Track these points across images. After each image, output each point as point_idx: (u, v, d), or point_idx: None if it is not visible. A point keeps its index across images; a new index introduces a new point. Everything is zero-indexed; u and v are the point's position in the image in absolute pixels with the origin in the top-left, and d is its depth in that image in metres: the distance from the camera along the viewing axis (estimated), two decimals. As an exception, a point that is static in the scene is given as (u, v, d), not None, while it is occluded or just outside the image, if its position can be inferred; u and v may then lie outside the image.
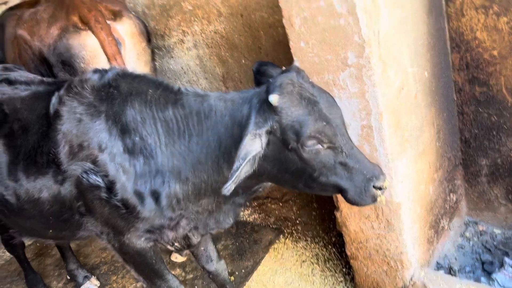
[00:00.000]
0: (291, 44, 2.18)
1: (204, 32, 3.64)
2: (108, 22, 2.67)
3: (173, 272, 2.53)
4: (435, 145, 2.51)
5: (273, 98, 1.65)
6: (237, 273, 3.14)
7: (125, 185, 2.01)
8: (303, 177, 1.75)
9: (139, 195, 2.02)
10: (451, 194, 2.74)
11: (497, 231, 2.78)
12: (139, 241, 2.18)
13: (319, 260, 3.03)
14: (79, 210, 2.17)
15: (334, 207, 2.62)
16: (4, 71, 2.54)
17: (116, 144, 2.01)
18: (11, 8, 3.84)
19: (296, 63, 1.93)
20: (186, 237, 2.36)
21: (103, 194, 2.03)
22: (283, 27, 3.05)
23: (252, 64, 3.48)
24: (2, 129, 2.22)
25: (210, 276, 2.73)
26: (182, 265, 3.35)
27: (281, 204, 3.67)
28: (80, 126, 2.03)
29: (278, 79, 1.75)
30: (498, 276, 2.46)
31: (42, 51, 2.78)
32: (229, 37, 3.49)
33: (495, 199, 2.74)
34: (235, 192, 2.04)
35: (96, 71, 2.16)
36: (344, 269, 2.90)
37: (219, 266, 2.69)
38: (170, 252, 3.39)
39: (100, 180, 2.01)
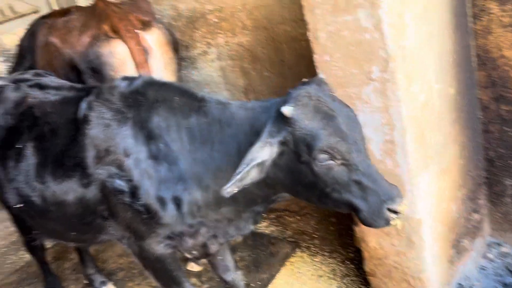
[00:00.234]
0: (316, 57, 2.20)
1: (228, 44, 3.71)
2: (138, 31, 2.76)
3: (188, 282, 2.54)
4: (459, 162, 2.48)
5: (286, 109, 1.65)
6: (252, 285, 3.13)
7: (148, 191, 2.04)
8: (316, 191, 1.73)
9: (161, 201, 2.05)
10: (474, 214, 2.69)
11: (521, 253, 2.72)
12: (159, 247, 2.20)
13: (336, 276, 3.00)
14: (102, 213, 2.21)
15: (352, 222, 2.60)
16: (36, 76, 2.63)
17: (141, 150, 2.05)
18: (43, 17, 3.98)
19: (321, 75, 1.95)
20: (204, 245, 2.36)
21: (127, 199, 2.07)
22: (306, 40, 3.09)
23: (274, 77, 3.53)
24: (32, 132, 2.29)
25: (227, 286, 2.73)
26: (197, 275, 3.35)
27: (298, 218, 3.66)
28: (107, 131, 2.08)
29: (296, 90, 1.75)
30: (522, 299, 2.40)
31: (72, 58, 2.87)
32: (252, 49, 3.55)
33: (520, 220, 2.68)
34: (253, 201, 2.08)
35: (124, 78, 2.22)
36: (361, 286, 2.86)
37: (236, 277, 2.68)
38: (186, 261, 3.40)
39: (124, 184, 2.05)
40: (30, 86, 2.47)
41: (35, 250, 3.19)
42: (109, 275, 3.54)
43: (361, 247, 2.64)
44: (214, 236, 2.26)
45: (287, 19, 3.14)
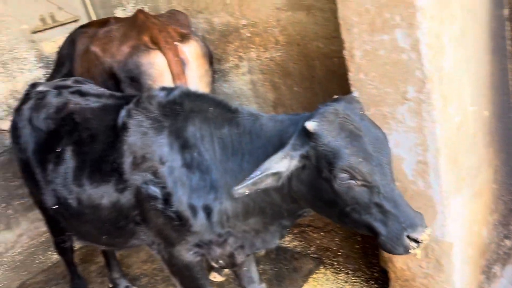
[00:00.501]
0: (350, 75, 2.22)
1: (260, 58, 3.77)
2: (176, 43, 2.84)
3: (210, 292, 2.56)
4: (492, 186, 2.44)
5: (309, 124, 1.66)
6: (275, 299, 3.13)
7: (181, 198, 2.09)
8: (336, 209, 1.73)
9: (193, 209, 2.10)
10: (506, 240, 2.63)
11: (554, 283, 2.64)
12: (187, 254, 2.24)
13: (360, 295, 2.97)
14: (134, 219, 2.27)
15: (379, 241, 2.58)
16: (76, 83, 2.74)
17: (176, 158, 2.11)
18: (82, 26, 4.15)
19: (355, 93, 1.96)
20: (231, 255, 2.38)
21: (160, 205, 2.12)
22: (338, 57, 3.14)
23: (304, 92, 3.57)
24: (72, 136, 2.38)
25: (250, 298, 2.73)
26: (220, 285, 3.37)
27: (323, 234, 3.64)
28: (144, 139, 2.15)
29: (325, 106, 1.77)
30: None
31: (112, 66, 2.98)
32: (283, 64, 3.59)
33: (553, 249, 2.61)
34: (280, 214, 2.11)
35: (163, 88, 2.29)
36: (386, 307, 2.82)
37: (261, 289, 2.69)
38: (209, 271, 3.42)
39: (158, 191, 2.11)
40: (71, 93, 2.57)
41: (65, 251, 3.27)
42: (133, 281, 3.59)
43: (387, 267, 2.62)
44: (241, 247, 2.29)
45: (320, 36, 3.18)
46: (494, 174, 2.44)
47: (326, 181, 1.67)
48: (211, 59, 3.12)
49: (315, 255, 3.46)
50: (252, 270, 2.66)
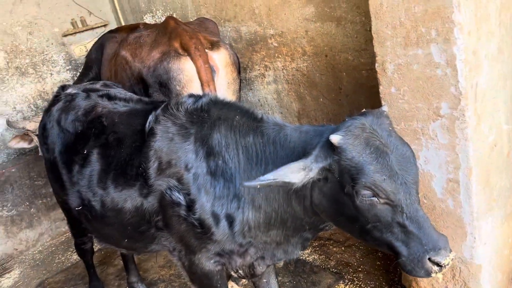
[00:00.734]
0: (381, 88, 2.19)
1: (286, 68, 3.76)
2: (206, 50, 2.86)
3: (228, 301, 2.53)
4: (524, 208, 2.36)
5: (334, 138, 1.62)
6: (292, 312, 3.07)
7: (204, 206, 2.07)
8: (357, 226, 1.69)
9: (215, 217, 2.08)
10: (536, 265, 2.53)
11: None
12: (208, 262, 2.22)
13: (380, 313, 2.89)
14: (156, 224, 2.27)
15: (404, 259, 2.51)
16: (105, 87, 2.77)
17: (201, 165, 2.10)
18: (111, 31, 4.22)
19: (384, 108, 1.92)
20: (251, 266, 2.36)
21: (182, 212, 2.11)
22: (367, 70, 3.11)
23: (330, 104, 3.53)
24: (99, 139, 2.40)
25: (268, 309, 2.69)
26: (237, 295, 3.34)
27: (343, 248, 3.58)
28: (171, 145, 2.15)
29: (352, 120, 1.72)
30: None
31: (141, 71, 3.01)
32: (310, 75, 3.57)
33: None
34: (302, 227, 2.07)
35: (191, 95, 2.29)
36: (407, 327, 2.74)
37: (279, 301, 2.65)
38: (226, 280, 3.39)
39: (182, 197, 2.10)
40: (100, 96, 2.60)
41: (85, 253, 3.29)
42: (150, 285, 3.58)
43: (410, 286, 2.54)
44: (262, 258, 2.26)
45: (350, 48, 3.15)
46: (527, 196, 2.35)
47: (348, 196, 1.64)
48: (239, 67, 3.13)
49: (334, 270, 3.39)
50: (272, 282, 2.63)
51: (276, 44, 3.72)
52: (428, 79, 1.96)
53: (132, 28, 3.78)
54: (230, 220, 2.07)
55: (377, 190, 1.57)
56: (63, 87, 2.80)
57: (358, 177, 1.58)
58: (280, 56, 3.74)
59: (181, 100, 2.26)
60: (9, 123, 3.69)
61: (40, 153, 3.34)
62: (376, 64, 2.15)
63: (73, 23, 5.21)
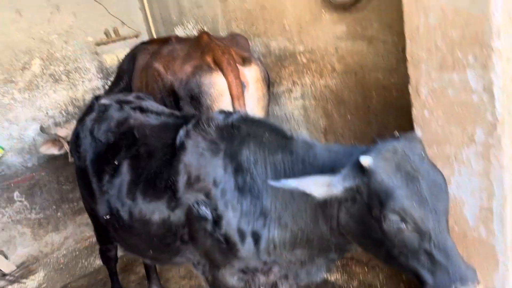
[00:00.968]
0: (414, 111, 2.17)
1: (314, 84, 3.76)
2: (238, 65, 2.90)
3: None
4: (559, 240, 2.27)
5: (364, 160, 1.61)
6: (312, 333, 3.03)
7: (231, 222, 2.09)
8: (383, 249, 1.67)
9: (241, 234, 2.09)
10: None
11: None
12: (231, 278, 2.22)
13: None
14: (182, 237, 2.29)
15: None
16: (137, 99, 2.83)
17: (229, 181, 2.11)
18: (143, 43, 4.32)
19: (417, 132, 1.90)
20: (274, 285, 2.35)
21: (209, 226, 2.13)
22: (398, 90, 3.08)
23: (358, 122, 3.51)
24: (130, 150, 2.45)
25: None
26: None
27: (366, 269, 3.52)
28: (200, 159, 2.17)
29: (384, 143, 1.71)
30: None
31: (173, 84, 3.06)
32: (338, 92, 3.56)
33: None
34: (327, 248, 2.06)
35: (221, 112, 2.33)
36: None
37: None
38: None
39: (209, 212, 2.12)
40: (133, 108, 2.65)
41: (109, 260, 3.34)
42: (170, 295, 3.61)
43: (436, 313, 2.47)
44: (286, 277, 2.25)
45: (380, 67, 3.14)
46: None
47: (376, 219, 1.62)
48: (269, 83, 3.15)
49: (356, 291, 3.34)
50: (293, 301, 2.60)
51: (305, 61, 3.73)
52: (463, 104, 1.93)
53: (164, 41, 3.85)
54: (256, 238, 2.08)
55: (405, 216, 1.55)
56: (97, 98, 2.86)
57: (387, 201, 1.57)
58: (308, 72, 3.75)
59: (212, 116, 2.29)
60: (42, 129, 3.80)
61: (70, 159, 3.43)
62: (410, 87, 2.13)
63: (106, 33, 5.34)
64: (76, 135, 2.78)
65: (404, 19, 2.02)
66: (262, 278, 2.22)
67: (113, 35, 5.38)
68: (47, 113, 5.07)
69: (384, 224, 1.59)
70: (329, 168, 1.89)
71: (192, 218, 2.18)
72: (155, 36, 5.39)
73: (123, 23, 5.44)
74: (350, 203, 1.73)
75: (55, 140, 3.54)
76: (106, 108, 2.73)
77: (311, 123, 3.95)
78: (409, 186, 1.57)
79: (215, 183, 2.12)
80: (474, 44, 1.81)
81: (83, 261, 4.41)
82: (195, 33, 4.79)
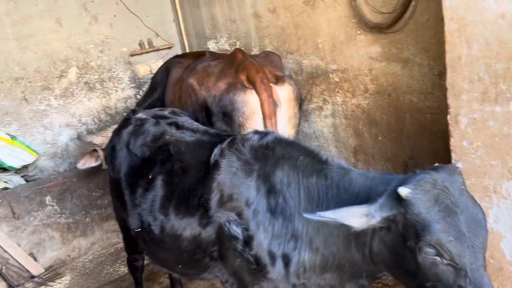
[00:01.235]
0: (452, 141, 2.13)
1: (346, 103, 3.75)
2: (271, 84, 2.93)
3: None
4: None
5: (402, 190, 1.58)
6: None
7: (262, 243, 2.08)
8: (415, 282, 1.63)
9: (272, 256, 2.08)
10: None
11: None
12: (257, 299, 2.22)
13: None
14: (212, 254, 2.30)
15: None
16: (173, 114, 2.88)
17: (261, 202, 2.12)
18: (177, 56, 4.40)
19: (459, 164, 1.86)
20: (302, 308, 2.34)
21: (239, 246, 2.13)
22: (432, 114, 3.05)
23: (389, 143, 3.48)
24: (165, 166, 2.49)
25: None
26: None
27: (392, 293, 3.46)
28: (234, 179, 2.19)
29: (423, 173, 1.67)
30: None
31: (206, 100, 3.11)
32: (370, 113, 3.54)
33: None
34: (358, 274, 2.03)
35: (256, 132, 2.34)
36: None
37: None
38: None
39: (240, 232, 2.12)
40: (169, 124, 2.70)
41: (135, 269, 3.38)
42: (193, 308, 3.62)
43: None
44: (314, 301, 2.22)
45: (415, 90, 3.11)
46: None
47: (410, 251, 1.60)
48: (301, 102, 3.17)
49: (382, 316, 3.28)
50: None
51: (337, 79, 3.73)
52: (505, 137, 1.90)
53: (198, 55, 3.93)
54: (286, 260, 2.07)
55: (441, 250, 1.52)
56: (133, 111, 2.93)
57: (423, 234, 1.54)
58: (340, 91, 3.74)
59: (247, 136, 2.31)
60: (79, 137, 3.91)
61: (104, 166, 3.51)
62: (449, 116, 2.10)
63: (141, 44, 5.48)
64: (112, 147, 2.85)
65: (445, 48, 2.00)
66: (290, 301, 2.21)
67: (147, 46, 5.51)
68: (80, 119, 5.22)
69: (418, 256, 1.56)
70: (364, 195, 1.88)
71: (222, 236, 2.20)
72: (187, 49, 5.49)
73: (157, 34, 5.57)
74: (384, 232, 1.71)
75: (92, 152, 3.63)
76: (142, 122, 2.78)
77: (340, 142, 3.94)
78: (446, 220, 1.55)
79: (247, 203, 2.13)
80: (519, 78, 1.78)
81: (109, 267, 4.47)
82: (227, 47, 4.86)
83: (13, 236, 4.27)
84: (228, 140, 2.33)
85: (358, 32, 3.38)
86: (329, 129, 4.00)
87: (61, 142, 5.13)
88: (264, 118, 2.87)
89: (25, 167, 4.74)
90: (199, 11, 5.10)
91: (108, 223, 4.79)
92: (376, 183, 1.89)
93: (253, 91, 2.89)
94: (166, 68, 4.22)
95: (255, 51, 4.42)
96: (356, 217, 1.65)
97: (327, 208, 2.00)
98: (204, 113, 3.18)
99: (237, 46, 4.69)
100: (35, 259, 4.38)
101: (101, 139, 3.69)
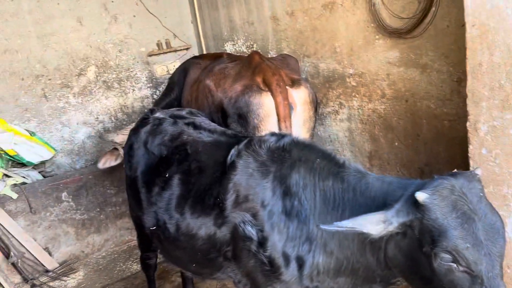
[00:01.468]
0: (471, 148, 2.12)
1: (362, 108, 3.74)
2: (287, 87, 2.94)
3: None
4: None
5: (420, 195, 1.57)
6: None
7: (276, 244, 2.09)
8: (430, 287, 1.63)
9: (286, 258, 2.09)
10: None
11: None
12: (271, 300, 2.22)
13: None
14: (225, 254, 2.32)
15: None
16: (190, 115, 2.91)
17: (277, 204, 2.13)
18: (195, 57, 4.44)
19: (478, 171, 1.85)
20: (314, 311, 2.33)
21: (253, 247, 2.14)
22: (450, 120, 3.02)
23: (405, 149, 3.46)
24: (182, 165, 2.52)
25: None
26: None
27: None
28: (250, 180, 2.21)
29: (441, 179, 1.66)
30: None
31: (222, 101, 3.14)
32: (387, 118, 3.53)
33: None
34: (372, 279, 2.02)
35: (274, 134, 2.35)
36: None
37: None
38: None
39: (254, 233, 2.13)
40: (186, 124, 2.73)
41: (149, 267, 3.41)
42: (205, 307, 3.64)
43: None
44: (326, 304, 2.22)
45: (433, 96, 3.09)
46: None
47: (426, 256, 1.59)
48: (316, 106, 3.17)
49: (394, 322, 3.25)
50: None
51: (354, 84, 3.73)
52: (526, 145, 1.88)
53: (216, 57, 3.96)
54: (300, 263, 2.07)
55: (457, 257, 1.51)
56: (151, 111, 2.97)
57: (439, 240, 1.53)
58: (357, 95, 3.74)
59: (264, 137, 2.32)
60: (101, 136, 3.96)
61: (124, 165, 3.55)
62: (468, 123, 2.09)
63: (159, 44, 5.54)
64: (130, 146, 2.89)
65: (466, 55, 1.99)
66: (302, 303, 2.21)
67: (164, 46, 5.57)
68: (97, 118, 5.30)
69: (434, 262, 1.56)
70: (381, 199, 1.88)
71: (237, 236, 2.21)
72: (204, 50, 5.54)
73: (175, 35, 5.63)
74: (400, 237, 1.70)
75: (112, 151, 3.67)
76: (160, 121, 2.82)
77: (355, 146, 3.93)
78: (464, 227, 1.54)
79: (263, 205, 2.14)
80: (541, 85, 1.77)
81: (121, 264, 4.52)
82: (244, 49, 4.89)
83: (30, 231, 4.35)
84: (245, 141, 2.34)
85: (377, 36, 3.38)
86: (344, 133, 4.00)
87: (78, 139, 5.22)
88: (278, 120, 2.89)
89: (42, 163, 4.83)
90: (217, 13, 5.14)
91: (122, 220, 4.85)
92: (393, 187, 1.89)
93: (269, 94, 2.90)
94: (184, 69, 4.26)
95: (272, 54, 4.43)
96: (374, 224, 1.65)
97: (343, 211, 2.01)
98: (220, 114, 3.20)
99: (254, 49, 4.71)
100: (50, 254, 4.45)
101: (122, 137, 3.73)
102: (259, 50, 4.50)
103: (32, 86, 4.86)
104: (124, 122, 5.38)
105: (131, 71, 5.44)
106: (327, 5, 3.73)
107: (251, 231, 2.15)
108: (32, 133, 4.71)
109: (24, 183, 4.42)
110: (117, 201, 4.82)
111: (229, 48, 5.10)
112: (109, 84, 5.32)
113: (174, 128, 2.72)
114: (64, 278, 4.34)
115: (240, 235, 2.19)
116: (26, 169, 4.67)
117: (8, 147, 4.35)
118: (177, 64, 5.29)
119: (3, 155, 4.44)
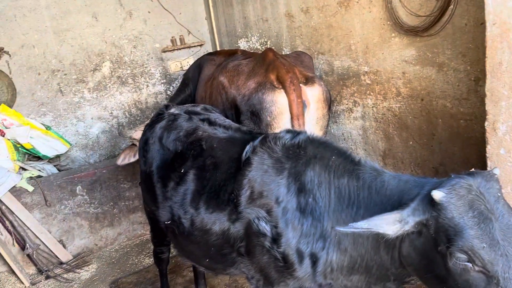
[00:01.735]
0: (489, 148, 2.10)
1: (376, 106, 3.72)
2: (300, 85, 2.93)
3: None
4: None
5: (436, 194, 1.56)
6: None
7: (290, 241, 2.10)
8: (445, 287, 1.61)
9: (300, 254, 2.09)
10: None
11: None
12: (283, 297, 2.23)
13: None
14: (239, 249, 2.33)
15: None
16: (205, 111, 2.92)
17: (291, 201, 2.13)
18: (209, 54, 4.45)
19: (496, 171, 1.83)
20: (327, 308, 2.34)
21: (267, 243, 2.15)
22: (466, 120, 2.99)
23: (420, 148, 3.43)
24: (197, 161, 2.53)
25: None
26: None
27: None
28: (264, 176, 2.21)
29: (458, 178, 1.65)
30: None
31: (235, 98, 3.14)
32: (402, 116, 3.51)
33: None
34: (386, 277, 2.01)
35: (289, 131, 2.35)
36: None
37: None
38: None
39: (268, 229, 2.14)
40: (201, 120, 2.74)
41: (161, 261, 3.45)
42: (216, 302, 3.66)
43: None
44: (339, 302, 2.23)
45: (449, 95, 3.06)
46: None
47: (441, 255, 1.58)
48: (330, 104, 3.16)
49: (405, 321, 3.24)
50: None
51: (369, 82, 3.71)
52: (545, 145, 1.86)
53: (230, 54, 3.96)
54: (314, 260, 2.08)
55: (473, 257, 1.50)
56: (166, 106, 2.98)
57: (455, 239, 1.52)
58: (372, 93, 3.72)
59: (279, 134, 2.32)
60: (120, 133, 3.99)
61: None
62: (486, 123, 2.07)
63: (173, 41, 5.57)
64: (145, 140, 2.91)
65: (486, 53, 1.97)
66: (315, 301, 2.22)
67: (179, 43, 5.59)
68: (111, 113, 5.35)
69: (449, 262, 1.55)
70: (396, 198, 1.87)
71: (251, 232, 2.22)
72: (218, 47, 5.55)
73: (189, 32, 5.65)
74: (415, 236, 1.70)
75: (130, 147, 3.70)
76: (175, 117, 2.83)
77: (369, 145, 3.91)
78: (480, 227, 1.52)
79: (277, 201, 2.15)
80: None
81: (134, 258, 4.57)
82: (258, 46, 4.89)
83: (45, 223, 4.42)
84: (260, 137, 2.35)
85: (393, 34, 3.35)
86: (358, 132, 3.98)
87: (93, 134, 5.28)
88: (292, 118, 2.88)
89: (57, 156, 4.90)
90: (232, 10, 5.15)
91: (135, 214, 4.90)
92: (410, 186, 1.87)
93: (282, 91, 2.89)
94: (198, 65, 4.28)
95: (286, 51, 4.43)
96: (390, 224, 1.65)
97: (358, 209, 2.01)
98: (233, 111, 3.21)
99: (268, 46, 4.71)
100: (64, 246, 4.52)
101: (139, 133, 3.75)
102: (273, 47, 4.50)
103: (48, 81, 4.93)
104: (138, 118, 5.43)
105: (145, 67, 5.48)
106: (343, 2, 3.71)
107: (265, 227, 2.16)
108: (47, 127, 4.78)
109: (39, 176, 4.49)
110: (130, 196, 4.86)
111: (242, 45, 5.10)
112: (123, 79, 5.37)
113: (189, 124, 2.74)
114: (78, 270, 4.40)
115: (254, 231, 2.20)
116: (42, 162, 4.74)
117: (24, 141, 4.42)
118: (191, 60, 5.31)
119: (19, 148, 4.51)
